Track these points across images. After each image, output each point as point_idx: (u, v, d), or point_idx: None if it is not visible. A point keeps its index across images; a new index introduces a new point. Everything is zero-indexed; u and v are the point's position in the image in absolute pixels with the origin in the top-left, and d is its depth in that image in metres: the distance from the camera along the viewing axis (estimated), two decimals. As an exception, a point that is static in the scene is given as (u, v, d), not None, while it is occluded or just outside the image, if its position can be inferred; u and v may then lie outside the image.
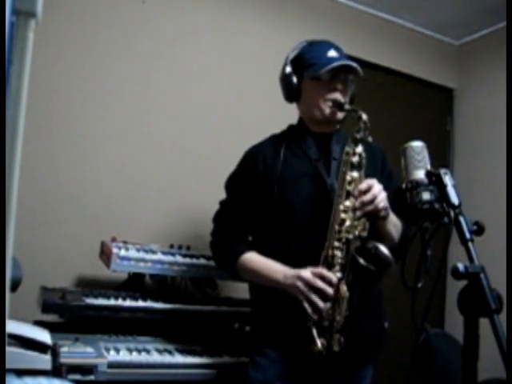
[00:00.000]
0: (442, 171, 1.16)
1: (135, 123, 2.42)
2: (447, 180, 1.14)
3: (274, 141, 1.74)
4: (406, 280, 1.14)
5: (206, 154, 2.53)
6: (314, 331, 1.47)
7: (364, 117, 1.55)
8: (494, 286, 1.02)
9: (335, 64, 1.59)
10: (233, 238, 1.70)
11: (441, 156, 3.23)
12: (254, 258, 1.63)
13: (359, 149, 1.54)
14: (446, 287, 3.10)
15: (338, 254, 1.50)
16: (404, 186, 1.19)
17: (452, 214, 1.09)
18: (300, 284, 1.48)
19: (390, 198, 1.50)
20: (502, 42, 2.81)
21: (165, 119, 2.49)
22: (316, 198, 1.60)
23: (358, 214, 1.48)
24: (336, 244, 1.50)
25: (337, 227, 1.51)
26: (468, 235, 1.07)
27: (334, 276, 1.47)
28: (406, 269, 1.17)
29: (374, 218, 1.50)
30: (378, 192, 1.46)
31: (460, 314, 1.04)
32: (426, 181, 1.16)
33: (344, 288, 1.46)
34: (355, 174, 1.53)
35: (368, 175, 1.55)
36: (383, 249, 1.46)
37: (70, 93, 2.30)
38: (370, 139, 1.56)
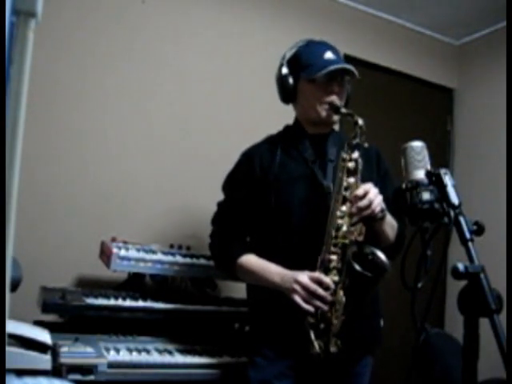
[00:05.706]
0: (442, 171, 1.16)
1: (135, 123, 2.42)
2: (447, 180, 1.14)
3: (270, 142, 1.73)
4: (406, 280, 1.14)
5: (206, 154, 2.53)
6: (312, 334, 1.48)
7: (360, 122, 1.54)
8: (494, 286, 1.02)
9: (332, 68, 1.58)
10: (231, 239, 1.70)
11: (441, 156, 3.22)
12: (251, 260, 1.63)
13: (355, 155, 1.54)
14: (446, 287, 3.10)
15: (335, 258, 1.50)
16: (404, 185, 1.19)
17: (452, 213, 1.09)
18: (298, 288, 1.48)
19: (386, 198, 1.51)
20: (502, 41, 2.81)
21: (164, 119, 2.49)
22: (312, 200, 1.61)
23: (355, 219, 1.48)
24: (333, 249, 1.50)
25: (333, 232, 1.51)
26: (468, 235, 1.06)
27: (331, 281, 1.47)
28: (406, 269, 1.17)
29: (370, 220, 1.49)
30: (374, 196, 1.46)
31: (460, 314, 1.05)
32: (426, 181, 1.16)
33: (340, 293, 1.46)
34: (351, 180, 1.53)
35: (364, 177, 1.55)
36: (380, 255, 1.45)
37: (70, 92, 2.30)
38: (365, 145, 1.55)
